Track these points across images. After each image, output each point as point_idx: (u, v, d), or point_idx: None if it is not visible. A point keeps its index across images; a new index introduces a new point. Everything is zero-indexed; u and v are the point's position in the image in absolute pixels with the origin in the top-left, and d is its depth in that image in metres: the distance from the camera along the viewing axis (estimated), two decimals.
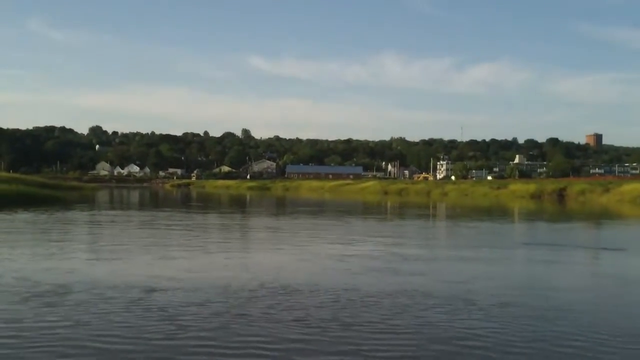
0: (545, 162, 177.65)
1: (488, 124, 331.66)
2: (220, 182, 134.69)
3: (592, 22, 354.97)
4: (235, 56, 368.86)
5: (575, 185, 64.52)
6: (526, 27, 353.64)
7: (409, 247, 15.88)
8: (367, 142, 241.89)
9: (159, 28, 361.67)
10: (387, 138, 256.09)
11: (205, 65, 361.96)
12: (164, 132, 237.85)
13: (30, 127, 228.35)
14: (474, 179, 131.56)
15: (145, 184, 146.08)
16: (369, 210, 41.83)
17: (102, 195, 61.43)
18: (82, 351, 6.07)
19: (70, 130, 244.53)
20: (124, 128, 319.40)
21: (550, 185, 68.51)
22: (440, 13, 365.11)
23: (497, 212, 38.09)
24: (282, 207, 46.23)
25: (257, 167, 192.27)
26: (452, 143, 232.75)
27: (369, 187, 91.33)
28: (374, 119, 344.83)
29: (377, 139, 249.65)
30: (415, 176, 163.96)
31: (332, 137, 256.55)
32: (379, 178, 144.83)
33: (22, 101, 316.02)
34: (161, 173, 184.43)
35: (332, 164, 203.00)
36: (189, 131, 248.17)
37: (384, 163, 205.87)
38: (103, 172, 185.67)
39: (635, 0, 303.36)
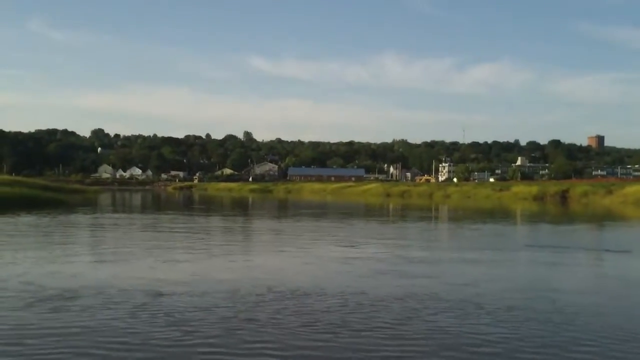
0: (547, 164, 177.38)
1: (489, 124, 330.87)
2: (223, 184, 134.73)
3: (592, 22, 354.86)
4: (236, 56, 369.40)
5: (577, 187, 64.43)
6: (526, 27, 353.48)
7: (414, 250, 15.83)
8: (369, 144, 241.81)
9: (159, 28, 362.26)
10: (389, 140, 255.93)
11: (205, 66, 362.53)
12: (165, 134, 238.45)
13: (32, 130, 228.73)
14: (476, 181, 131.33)
15: (147, 187, 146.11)
16: (371, 212, 41.77)
17: (105, 198, 61.44)
18: (88, 359, 6.00)
19: (73, 133, 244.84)
20: (124, 129, 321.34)
21: (553, 187, 68.43)
22: (441, 13, 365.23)
23: (500, 214, 38.02)
24: (284, 209, 46.19)
25: (259, 169, 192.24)
26: (454, 145, 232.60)
27: (371, 189, 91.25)
28: (375, 119, 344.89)
29: (379, 141, 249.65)
30: (418, 178, 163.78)
31: (333, 139, 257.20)
32: (381, 180, 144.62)
33: (22, 102, 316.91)
34: (163, 176, 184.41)
35: (334, 166, 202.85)
36: (190, 133, 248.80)
37: (385, 165, 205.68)
38: (105, 175, 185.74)
39: (635, 0, 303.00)
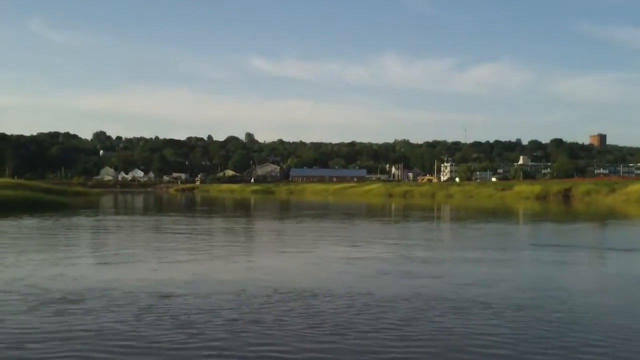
0: (549, 163, 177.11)
1: (490, 124, 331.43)
2: (225, 186, 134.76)
3: (592, 22, 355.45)
4: (236, 57, 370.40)
5: (580, 186, 64.24)
6: (526, 27, 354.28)
7: (418, 250, 15.76)
8: (370, 145, 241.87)
9: (159, 28, 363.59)
10: (390, 140, 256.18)
11: (206, 66, 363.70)
12: (167, 135, 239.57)
13: (34, 133, 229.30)
14: (478, 180, 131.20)
15: (149, 189, 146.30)
16: (374, 212, 41.70)
17: (107, 201, 61.45)
18: None
19: (74, 136, 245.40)
20: (126, 130, 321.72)
21: (556, 186, 68.26)
22: (441, 13, 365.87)
23: (502, 214, 37.92)
24: (287, 210, 46.14)
25: (261, 170, 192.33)
26: (456, 145, 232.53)
27: (374, 189, 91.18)
28: (375, 119, 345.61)
29: (380, 142, 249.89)
30: (419, 178, 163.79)
31: (335, 140, 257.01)
32: (383, 180, 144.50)
33: (23, 104, 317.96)
34: (165, 178, 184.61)
35: (336, 167, 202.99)
36: (191, 134, 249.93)
37: (387, 165, 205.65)
38: (107, 178, 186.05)
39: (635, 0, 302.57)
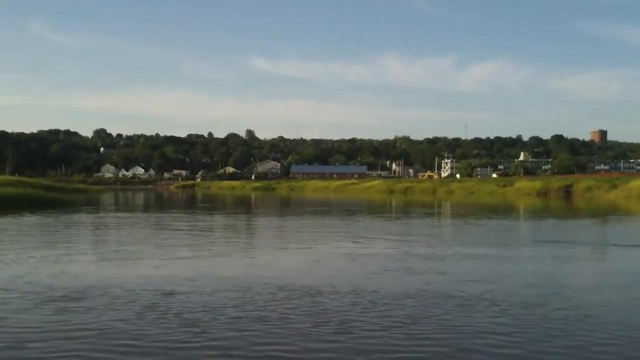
0: (550, 159, 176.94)
1: (491, 122, 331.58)
2: (225, 183, 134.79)
3: (593, 19, 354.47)
4: (237, 57, 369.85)
5: (582, 182, 64.18)
6: (527, 24, 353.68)
7: (421, 246, 15.67)
8: (371, 141, 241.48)
9: (160, 29, 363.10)
10: (391, 137, 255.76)
11: (207, 66, 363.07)
12: (168, 133, 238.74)
13: (35, 131, 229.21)
14: (479, 177, 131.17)
15: (150, 186, 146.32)
16: (375, 209, 41.63)
17: (108, 198, 61.37)
18: None
19: (75, 134, 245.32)
20: (127, 130, 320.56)
21: (557, 182, 68.20)
22: (441, 12, 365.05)
23: (504, 210, 37.84)
24: (288, 207, 46.07)
25: (261, 167, 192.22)
26: (457, 141, 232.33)
27: (374, 186, 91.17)
28: (376, 118, 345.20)
29: (381, 138, 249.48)
30: (420, 175, 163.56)
31: (336, 137, 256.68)
32: (384, 177, 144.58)
33: (24, 104, 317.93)
34: (166, 175, 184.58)
35: (336, 164, 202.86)
36: (192, 132, 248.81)
37: (388, 162, 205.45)
38: (108, 175, 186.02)
39: None
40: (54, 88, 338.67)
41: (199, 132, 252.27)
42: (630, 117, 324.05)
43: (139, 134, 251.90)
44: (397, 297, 8.61)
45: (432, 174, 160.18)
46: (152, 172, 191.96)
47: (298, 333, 6.75)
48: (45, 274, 10.61)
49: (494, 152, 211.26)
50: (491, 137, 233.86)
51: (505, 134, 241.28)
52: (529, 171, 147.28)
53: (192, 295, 8.72)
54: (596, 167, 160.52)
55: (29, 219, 25.39)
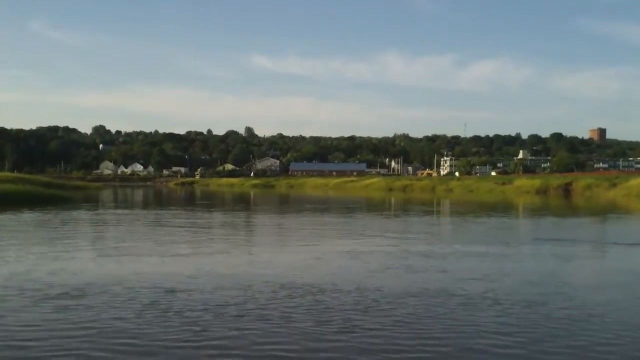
0: (549, 157, 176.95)
1: (491, 120, 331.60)
2: (224, 180, 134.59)
3: (593, 18, 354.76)
4: (238, 55, 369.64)
5: (581, 180, 64.11)
6: (527, 23, 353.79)
7: (421, 244, 15.61)
8: (370, 139, 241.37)
9: (160, 27, 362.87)
10: (390, 135, 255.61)
11: (207, 64, 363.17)
12: (167, 130, 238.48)
13: (34, 127, 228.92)
14: (478, 174, 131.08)
15: (149, 183, 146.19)
16: (374, 207, 41.57)
17: (107, 195, 61.29)
18: None
19: (74, 130, 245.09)
20: (126, 127, 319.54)
21: (556, 180, 68.11)
22: (441, 10, 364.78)
23: (503, 208, 37.80)
24: (287, 204, 46.02)
25: (260, 165, 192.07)
26: (456, 139, 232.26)
27: (373, 183, 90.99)
28: (377, 117, 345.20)
29: (380, 136, 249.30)
30: (419, 172, 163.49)
31: (335, 135, 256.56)
32: (383, 175, 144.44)
33: (23, 100, 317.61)
34: (165, 172, 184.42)
35: (335, 161, 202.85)
36: (192, 130, 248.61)
37: (387, 159, 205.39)
38: (107, 172, 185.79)
39: None
40: (53, 85, 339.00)
41: (199, 130, 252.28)
42: (630, 115, 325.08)
43: (138, 130, 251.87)
44: (399, 296, 8.56)
45: (431, 171, 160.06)
46: (151, 169, 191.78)
47: (300, 332, 6.69)
48: (44, 271, 10.55)
49: (493, 150, 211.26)
50: (490, 135, 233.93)
51: (504, 131, 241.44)
52: (528, 169, 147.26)
53: (192, 293, 8.66)
54: (595, 166, 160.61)
55: (28, 216, 25.32)
